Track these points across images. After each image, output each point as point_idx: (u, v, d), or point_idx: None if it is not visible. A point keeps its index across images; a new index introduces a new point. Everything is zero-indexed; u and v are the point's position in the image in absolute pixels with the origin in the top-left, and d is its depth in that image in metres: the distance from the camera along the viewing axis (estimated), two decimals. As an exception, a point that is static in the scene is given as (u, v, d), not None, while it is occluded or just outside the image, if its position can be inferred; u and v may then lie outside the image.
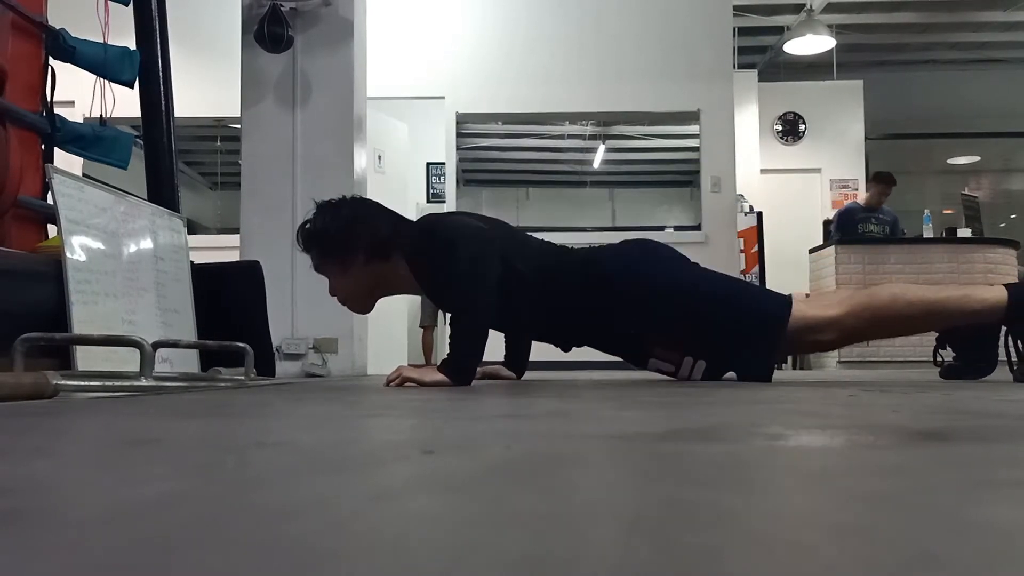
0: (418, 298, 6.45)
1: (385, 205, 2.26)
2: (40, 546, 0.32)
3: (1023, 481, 0.49)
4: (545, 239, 2.31)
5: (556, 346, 2.31)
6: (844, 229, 6.28)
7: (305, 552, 0.30)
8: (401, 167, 6.71)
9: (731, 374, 2.13)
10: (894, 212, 6.50)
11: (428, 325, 6.12)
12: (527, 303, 2.14)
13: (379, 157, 6.45)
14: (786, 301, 2.07)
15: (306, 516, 0.37)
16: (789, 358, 7.31)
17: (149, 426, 0.91)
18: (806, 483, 0.49)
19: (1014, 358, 1.99)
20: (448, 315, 2.03)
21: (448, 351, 1.92)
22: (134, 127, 2.94)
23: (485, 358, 2.04)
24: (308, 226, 2.14)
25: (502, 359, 2.46)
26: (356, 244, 2.09)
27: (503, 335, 2.45)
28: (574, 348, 2.29)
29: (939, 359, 2.22)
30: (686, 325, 2.07)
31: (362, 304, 2.25)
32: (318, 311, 3.79)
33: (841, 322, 2.02)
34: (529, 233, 2.37)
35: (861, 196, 7.14)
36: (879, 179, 6.39)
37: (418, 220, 2.26)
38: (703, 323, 2.06)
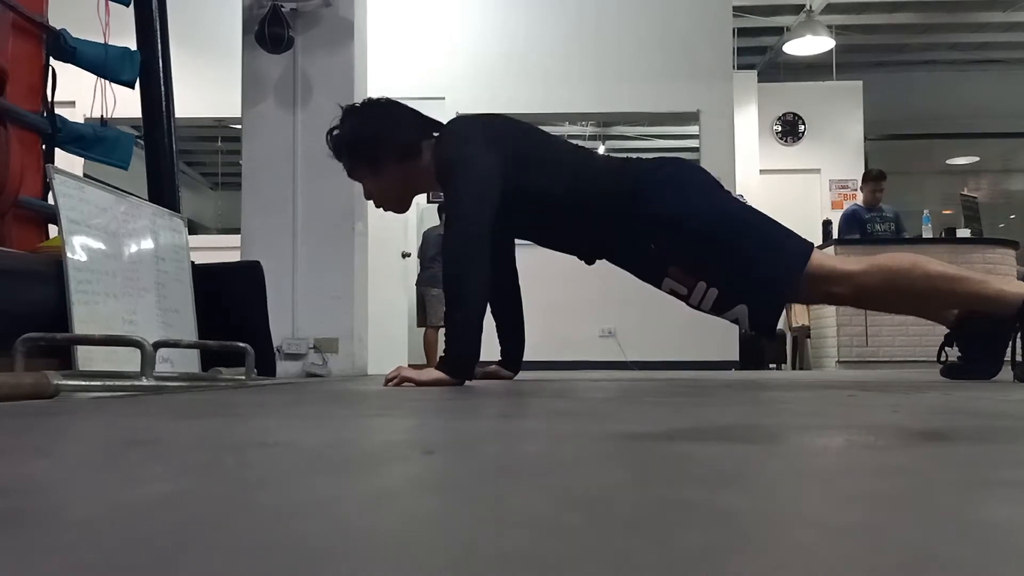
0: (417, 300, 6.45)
1: (408, 105, 2.22)
2: (40, 546, 0.32)
3: (1023, 481, 0.49)
4: (576, 145, 2.26)
5: (579, 258, 2.28)
6: (852, 231, 6.25)
7: (305, 552, 0.30)
8: None
9: (740, 310, 2.07)
10: (894, 209, 6.49)
11: (429, 325, 6.10)
12: (551, 218, 2.13)
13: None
14: (808, 244, 2.06)
15: (306, 516, 0.37)
16: (789, 358, 7.32)
17: (149, 426, 0.91)
18: (806, 483, 0.49)
19: (1019, 358, 1.98)
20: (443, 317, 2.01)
21: (444, 349, 1.92)
22: (135, 127, 2.95)
23: (483, 358, 2.03)
24: (336, 132, 2.14)
25: (499, 359, 2.46)
26: (386, 144, 2.09)
27: (496, 333, 2.44)
28: (596, 262, 2.27)
29: (944, 357, 2.20)
30: (707, 249, 2.03)
31: (398, 204, 2.23)
32: (318, 311, 3.79)
33: (857, 277, 2.00)
34: (558, 137, 2.31)
35: (859, 198, 7.12)
36: (870, 177, 6.40)
37: (444, 127, 2.19)
38: (723, 250, 2.02)
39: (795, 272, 2.00)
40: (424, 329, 6.09)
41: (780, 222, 2.13)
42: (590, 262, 2.30)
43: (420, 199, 7.04)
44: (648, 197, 2.06)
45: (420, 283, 6.02)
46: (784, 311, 2.22)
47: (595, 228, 2.14)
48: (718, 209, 2.09)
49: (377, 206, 2.24)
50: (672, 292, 2.13)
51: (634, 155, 8.91)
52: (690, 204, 2.07)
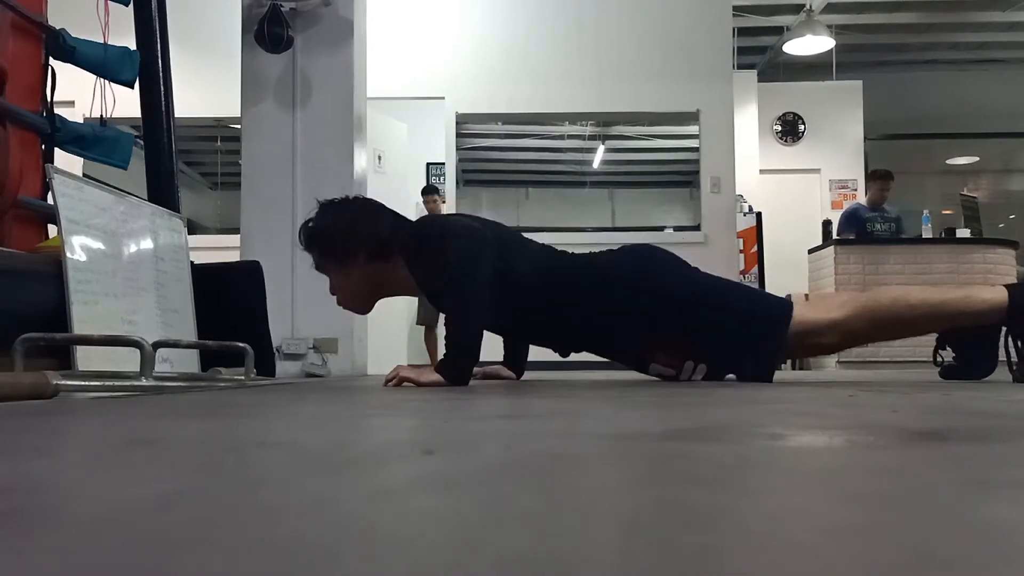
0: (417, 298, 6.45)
1: (386, 205, 2.26)
2: (40, 546, 0.32)
3: (1023, 481, 0.49)
4: (544, 244, 2.30)
5: (554, 351, 2.30)
6: (849, 230, 6.25)
7: (305, 552, 0.30)
8: (401, 167, 6.72)
9: (731, 376, 2.14)
10: (896, 211, 6.50)
11: (427, 324, 6.09)
12: (525, 306, 2.14)
13: (379, 157, 6.45)
14: (787, 304, 2.07)
15: (306, 516, 0.37)
16: (788, 359, 7.32)
17: (149, 426, 0.91)
18: (806, 483, 0.49)
19: (1014, 358, 1.99)
20: (444, 316, 2.02)
21: (445, 352, 1.92)
22: (134, 127, 2.94)
23: (484, 358, 2.03)
24: (311, 225, 2.15)
25: (501, 359, 2.46)
26: (357, 244, 2.09)
27: (501, 335, 2.45)
28: (572, 354, 2.29)
29: (939, 359, 2.22)
30: (686, 330, 2.07)
31: (362, 304, 2.25)
32: (318, 311, 3.79)
33: (843, 325, 2.02)
34: (527, 236, 2.37)
35: (860, 197, 7.13)
36: (877, 176, 6.39)
37: (416, 221, 2.26)
38: (704, 328, 2.06)
39: (779, 334, 2.02)
40: (425, 328, 6.09)
41: (753, 286, 2.15)
42: (565, 355, 2.30)
43: (420, 197, 7.05)
44: (618, 287, 2.09)
45: None
46: None
47: (570, 321, 2.17)
48: (689, 285, 2.12)
49: (339, 303, 2.23)
50: (660, 375, 2.16)
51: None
52: (661, 286, 2.09)
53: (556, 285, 2.13)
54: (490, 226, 2.19)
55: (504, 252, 2.07)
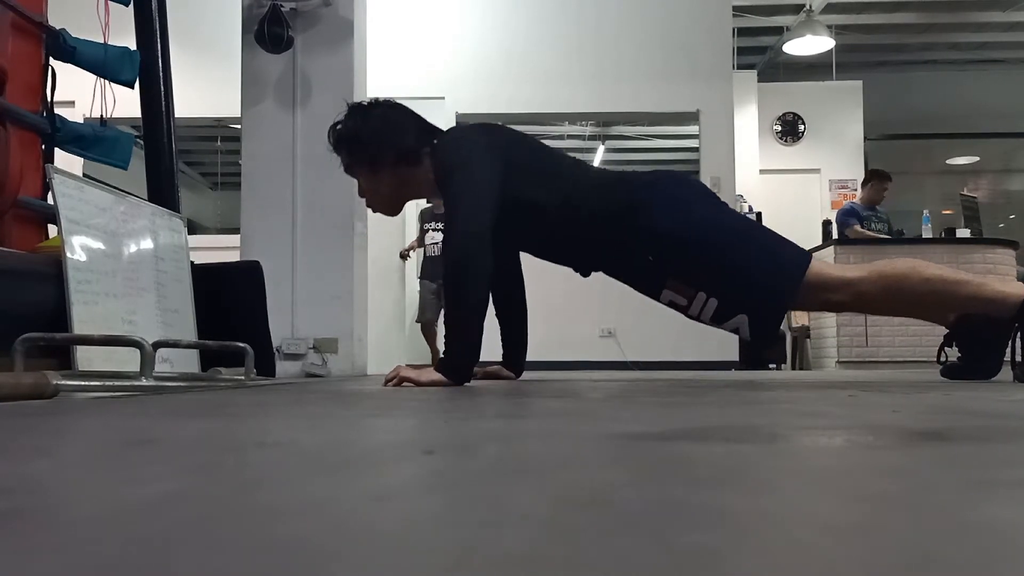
0: (416, 296, 6.43)
1: (413, 110, 2.23)
2: (40, 546, 0.32)
3: (1023, 481, 0.49)
4: (575, 158, 2.27)
5: (574, 269, 2.28)
6: (850, 226, 6.24)
7: (305, 552, 0.30)
8: None
9: (740, 319, 2.07)
10: (885, 210, 6.51)
11: (426, 321, 6.05)
12: (547, 228, 2.13)
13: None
14: (807, 254, 2.07)
15: (306, 516, 0.37)
16: (789, 359, 7.32)
17: (149, 426, 0.91)
18: (806, 483, 0.49)
19: (1019, 358, 1.98)
20: (444, 315, 2.01)
21: (444, 351, 1.92)
22: (134, 127, 2.94)
23: (484, 358, 2.03)
24: (339, 127, 2.15)
25: (501, 359, 2.46)
26: (386, 147, 2.10)
27: (500, 335, 2.45)
28: (591, 273, 2.27)
29: (944, 357, 2.21)
30: (706, 260, 2.04)
31: (389, 206, 2.25)
32: (318, 311, 3.79)
33: (856, 285, 2.01)
34: (557, 152, 2.33)
35: (857, 196, 7.11)
36: (879, 176, 6.39)
37: (442, 135, 2.20)
38: (723, 261, 2.03)
39: (795, 280, 2.01)
40: (424, 324, 6.06)
41: (777, 232, 2.14)
42: (585, 274, 2.30)
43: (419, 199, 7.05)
44: (645, 210, 2.07)
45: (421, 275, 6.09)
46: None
47: (592, 240, 2.15)
48: (716, 220, 2.10)
49: (368, 205, 2.26)
50: (671, 304, 2.14)
51: (633, 158, 8.91)
52: (688, 216, 2.08)
53: (583, 210, 2.11)
54: (516, 146, 2.16)
55: (528, 177, 2.07)
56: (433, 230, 5.87)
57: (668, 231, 2.05)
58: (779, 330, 2.09)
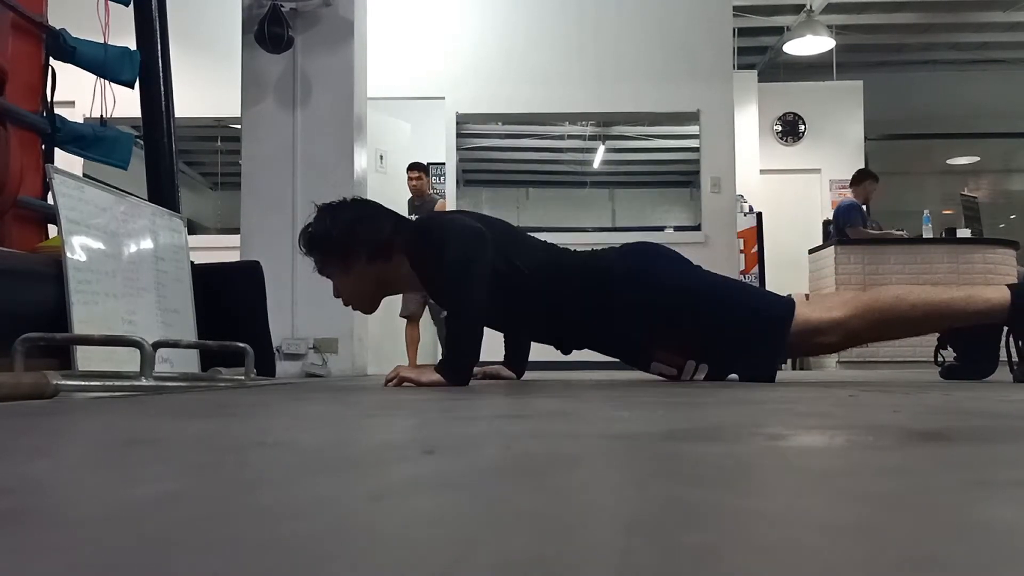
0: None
1: (383, 205, 2.27)
2: (40, 546, 0.32)
3: (1023, 481, 0.49)
4: (547, 241, 2.31)
5: (556, 348, 2.31)
6: (854, 224, 6.21)
7: (305, 552, 0.30)
8: (403, 167, 6.70)
9: (734, 376, 2.13)
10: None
11: (410, 315, 5.72)
12: (527, 303, 2.14)
13: (380, 157, 6.44)
14: (789, 303, 2.07)
15: (306, 516, 0.37)
16: (789, 359, 7.33)
17: (149, 426, 0.91)
18: (806, 483, 0.49)
19: (1015, 358, 1.99)
20: (441, 314, 2.03)
21: (443, 351, 1.92)
22: (134, 127, 2.94)
23: (485, 358, 2.03)
24: (310, 229, 2.15)
25: (502, 359, 2.46)
26: (358, 245, 2.10)
27: (503, 334, 2.45)
28: (574, 352, 2.29)
29: (940, 359, 2.21)
30: (689, 329, 2.07)
31: (367, 304, 2.25)
32: (318, 311, 3.79)
33: (845, 324, 2.01)
34: (530, 234, 2.37)
35: (851, 194, 7.08)
36: (871, 176, 6.40)
37: (416, 220, 2.26)
38: (706, 327, 2.06)
39: (781, 334, 2.02)
40: (407, 321, 5.72)
41: (755, 285, 2.14)
42: (566, 352, 2.31)
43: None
44: (620, 285, 2.09)
45: None
46: None
47: (572, 318, 2.16)
48: (692, 283, 2.12)
49: (346, 304, 2.24)
50: (661, 375, 2.16)
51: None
52: (663, 284, 2.09)
53: (558, 283, 2.13)
54: (492, 223, 2.20)
55: (506, 250, 2.08)
56: None
57: (644, 304, 2.08)
58: (776, 376, 2.10)
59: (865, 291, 2.12)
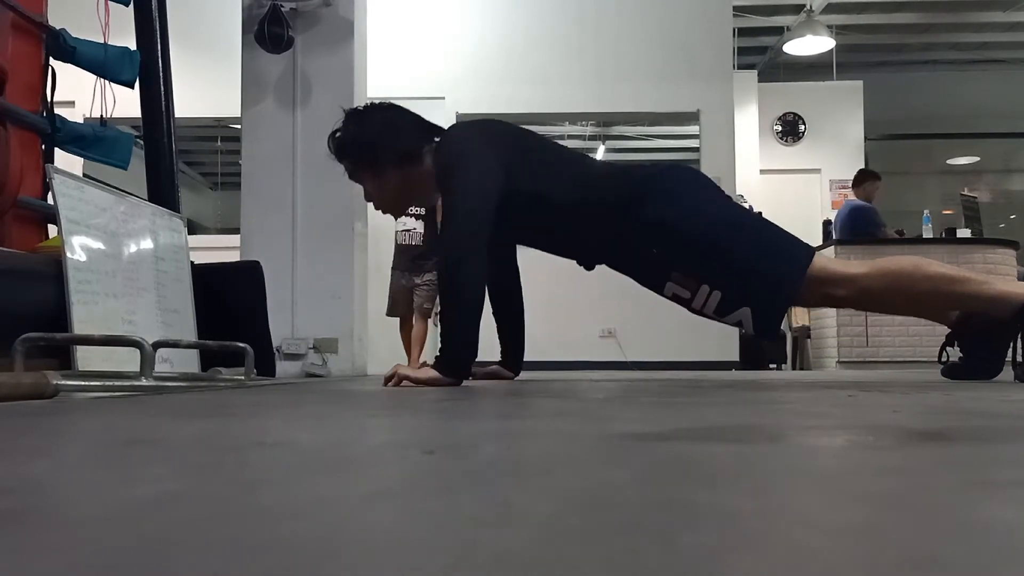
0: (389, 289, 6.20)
1: (410, 110, 2.25)
2: (40, 546, 0.32)
3: (1023, 481, 0.49)
4: (579, 152, 2.27)
5: (578, 263, 2.28)
6: (869, 228, 6.18)
7: (305, 552, 0.30)
8: None
9: (743, 312, 2.07)
10: None
11: (400, 316, 5.33)
12: (551, 222, 2.14)
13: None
14: (811, 248, 2.07)
15: (306, 516, 0.37)
16: (789, 359, 7.32)
17: (149, 426, 0.91)
18: (806, 483, 0.49)
19: (1020, 358, 1.98)
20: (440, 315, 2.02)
21: (440, 348, 1.91)
22: (134, 127, 2.95)
23: (482, 358, 2.03)
24: (339, 135, 2.16)
25: (499, 359, 2.46)
26: (387, 148, 2.11)
27: (498, 333, 2.44)
28: (595, 266, 2.27)
29: (945, 357, 2.20)
30: (710, 252, 2.03)
31: (396, 206, 2.27)
32: (318, 311, 3.79)
33: (858, 280, 2.00)
34: (559, 144, 2.34)
35: (855, 195, 7.06)
36: (871, 175, 6.38)
37: (442, 133, 2.21)
38: (727, 253, 2.02)
39: (798, 274, 2.00)
40: (400, 321, 5.31)
41: (782, 227, 2.13)
42: (589, 267, 2.30)
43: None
44: (650, 202, 2.07)
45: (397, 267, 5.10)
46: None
47: (596, 233, 2.14)
48: (720, 213, 2.10)
49: (376, 208, 2.27)
50: (674, 297, 2.12)
51: (634, 158, 8.91)
52: (692, 208, 2.07)
53: (587, 202, 2.11)
54: (517, 141, 2.17)
55: (530, 177, 2.07)
56: (407, 215, 4.99)
57: (670, 223, 2.04)
58: (781, 324, 2.08)
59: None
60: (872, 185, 6.34)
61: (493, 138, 2.14)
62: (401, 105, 2.26)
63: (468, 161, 2.05)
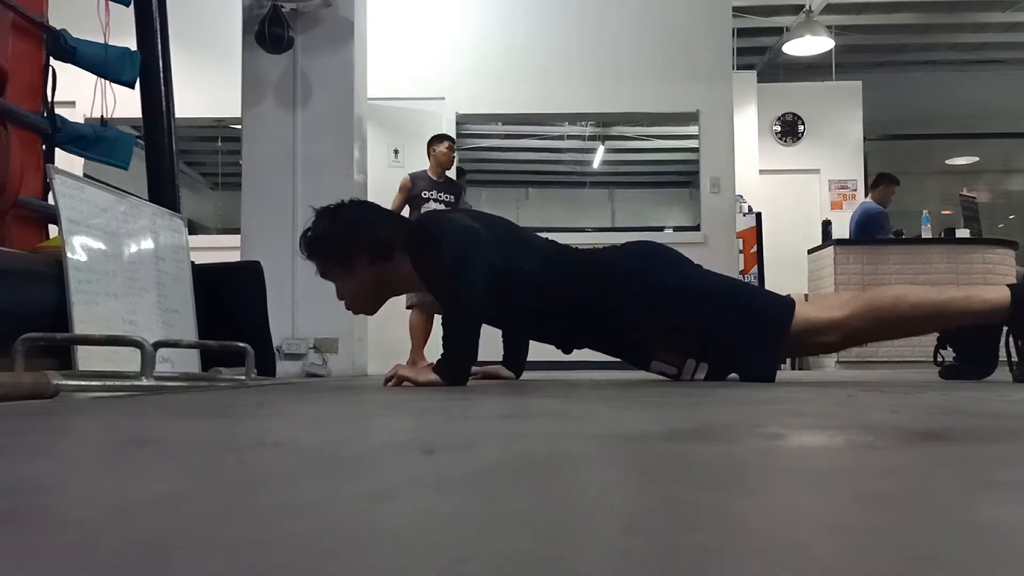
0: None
1: (381, 206, 2.27)
2: (40, 546, 0.32)
3: (1023, 481, 0.49)
4: (548, 239, 2.31)
5: (557, 347, 2.30)
6: (874, 231, 6.21)
7: (305, 552, 0.30)
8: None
9: (734, 375, 2.13)
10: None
11: (425, 302, 5.19)
12: (528, 302, 2.14)
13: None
14: (789, 304, 2.07)
15: (306, 516, 0.37)
16: (788, 359, 7.33)
17: (149, 426, 0.91)
18: (806, 483, 0.49)
19: (1014, 358, 1.99)
20: (440, 314, 2.02)
21: (442, 351, 1.92)
22: (135, 127, 2.95)
23: (483, 358, 2.03)
24: (309, 233, 2.14)
25: (500, 359, 2.46)
26: (358, 246, 2.09)
27: (501, 334, 2.45)
28: (575, 351, 2.29)
29: (940, 359, 2.21)
30: (689, 327, 2.07)
31: (369, 306, 2.25)
32: (318, 311, 3.79)
33: (845, 324, 2.01)
34: (530, 231, 2.37)
35: (860, 197, 7.10)
36: (889, 179, 6.40)
37: (415, 220, 2.26)
38: (707, 326, 2.06)
39: (781, 332, 2.02)
40: (411, 310, 5.23)
41: (755, 285, 2.14)
42: (567, 351, 2.31)
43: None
44: (623, 283, 2.09)
45: None
46: None
47: (574, 317, 2.16)
48: (694, 283, 2.12)
49: (348, 307, 2.24)
50: (661, 373, 2.16)
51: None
52: (665, 283, 2.09)
53: (561, 282, 2.13)
54: (492, 223, 2.19)
55: (506, 249, 2.07)
56: (434, 200, 4.98)
57: (645, 301, 2.07)
58: (776, 375, 2.10)
59: (865, 291, 2.12)
60: (888, 189, 6.36)
61: (472, 216, 2.18)
62: (372, 202, 2.27)
63: (454, 221, 2.07)
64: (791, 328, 2.02)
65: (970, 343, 2.11)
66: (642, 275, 2.11)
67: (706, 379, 2.09)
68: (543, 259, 2.15)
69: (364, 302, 2.22)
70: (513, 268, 2.06)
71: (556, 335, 2.27)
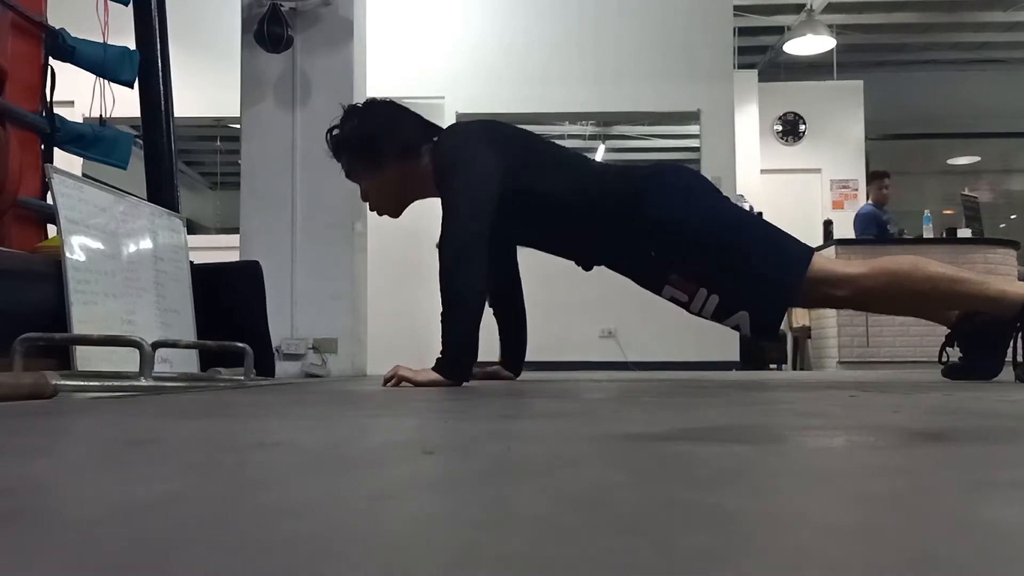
0: (416, 297, 6.36)
1: (409, 108, 2.22)
2: (40, 546, 0.32)
3: (1023, 481, 0.49)
4: (577, 152, 2.25)
5: (576, 263, 2.27)
6: (870, 230, 6.23)
7: (305, 552, 0.30)
8: None
9: (742, 316, 2.06)
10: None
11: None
12: (551, 221, 2.13)
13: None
14: (810, 249, 2.07)
15: (306, 516, 0.37)
16: (789, 359, 7.32)
17: (149, 426, 0.91)
18: (806, 484, 0.49)
19: (1020, 358, 1.98)
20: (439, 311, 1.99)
21: (441, 350, 1.91)
22: (134, 127, 2.94)
23: (483, 358, 2.03)
24: (336, 131, 2.13)
25: (499, 359, 2.45)
26: (386, 144, 2.08)
27: (498, 334, 2.44)
28: (594, 267, 2.26)
29: (945, 357, 2.20)
30: (709, 256, 2.03)
31: (394, 207, 2.22)
32: (318, 311, 3.79)
33: (858, 280, 2.00)
34: (558, 144, 2.33)
35: (861, 197, 7.11)
36: (883, 175, 6.42)
37: (441, 133, 2.19)
38: (725, 255, 2.02)
39: (797, 276, 2.00)
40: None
41: (781, 227, 2.13)
42: (587, 268, 2.29)
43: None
44: (649, 202, 2.06)
45: None
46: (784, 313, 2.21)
47: (595, 233, 2.14)
48: (719, 214, 2.09)
49: (372, 208, 2.23)
50: (672, 299, 2.12)
51: (634, 158, 8.90)
52: (691, 209, 2.07)
53: (585, 202, 2.10)
54: (515, 144, 2.14)
55: (530, 175, 2.06)
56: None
57: (668, 223, 2.04)
58: (780, 326, 2.08)
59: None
60: (879, 183, 6.41)
61: (494, 137, 2.13)
62: (400, 102, 2.25)
63: (469, 160, 2.03)
64: (806, 274, 1.99)
65: (977, 342, 2.10)
66: (671, 196, 2.08)
67: (714, 315, 2.06)
68: (567, 181, 2.11)
69: (389, 203, 2.20)
70: (536, 188, 2.05)
71: (577, 251, 2.23)
